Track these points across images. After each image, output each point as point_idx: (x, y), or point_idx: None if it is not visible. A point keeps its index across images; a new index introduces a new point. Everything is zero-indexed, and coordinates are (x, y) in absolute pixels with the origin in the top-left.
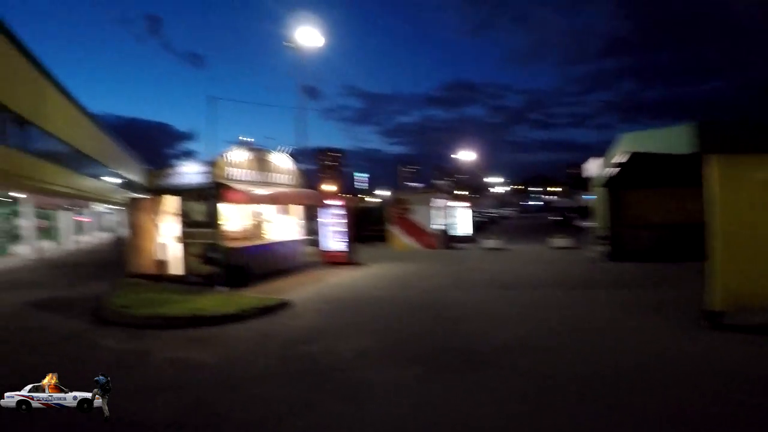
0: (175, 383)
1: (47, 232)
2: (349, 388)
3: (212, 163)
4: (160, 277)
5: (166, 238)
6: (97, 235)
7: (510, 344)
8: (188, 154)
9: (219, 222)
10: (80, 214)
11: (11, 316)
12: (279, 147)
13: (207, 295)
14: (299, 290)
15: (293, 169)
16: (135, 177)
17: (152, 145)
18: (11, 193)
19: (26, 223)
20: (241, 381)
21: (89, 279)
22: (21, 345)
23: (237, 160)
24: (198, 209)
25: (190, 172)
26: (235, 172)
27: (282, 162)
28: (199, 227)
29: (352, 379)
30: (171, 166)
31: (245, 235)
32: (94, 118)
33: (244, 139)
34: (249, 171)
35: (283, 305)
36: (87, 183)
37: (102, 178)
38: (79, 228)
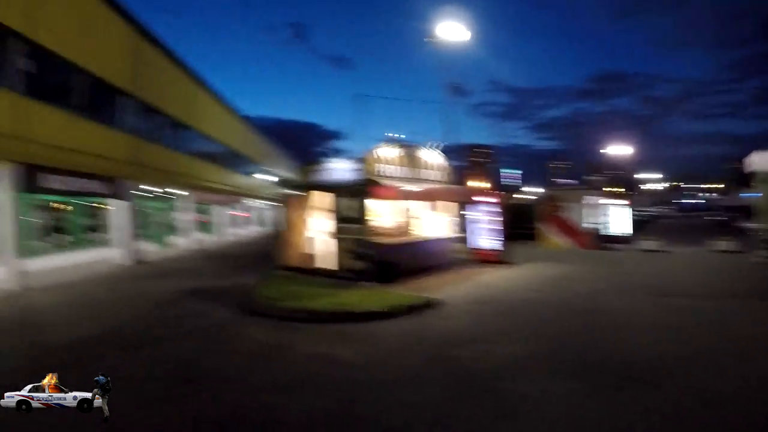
0: (316, 380)
1: (204, 225)
2: (497, 399)
3: (362, 160)
4: (308, 270)
5: (315, 233)
6: (250, 228)
7: (670, 358)
8: (337, 152)
9: (368, 218)
10: (234, 208)
11: (167, 302)
12: (429, 143)
13: (354, 291)
14: (448, 289)
15: (444, 166)
16: (286, 174)
17: (303, 145)
18: (170, 190)
19: (184, 216)
20: (385, 383)
21: (240, 270)
22: (173, 330)
23: (386, 156)
24: (348, 205)
25: (340, 169)
26: (385, 169)
27: (432, 158)
28: (349, 223)
29: (501, 389)
30: (318, 163)
31: (395, 232)
32: (245, 120)
33: (393, 135)
34: (399, 167)
35: (431, 304)
36: (240, 180)
37: (255, 175)
38: (234, 222)
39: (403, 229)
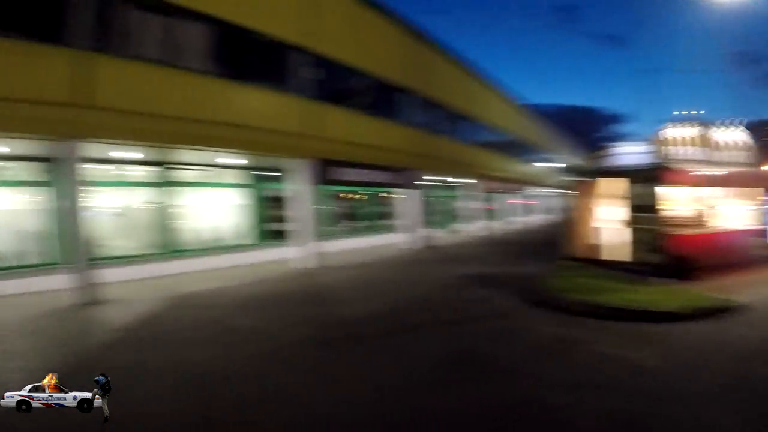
0: (604, 382)
1: (488, 213)
2: None
3: (650, 143)
4: (595, 262)
5: (603, 222)
6: (534, 216)
7: None
8: (620, 136)
9: (660, 206)
10: (518, 196)
11: (451, 287)
12: (727, 120)
13: (644, 287)
14: (753, 291)
15: (746, 146)
16: (569, 161)
17: (583, 130)
18: (455, 179)
19: (469, 204)
20: (681, 395)
21: (523, 258)
22: (456, 315)
23: (678, 137)
24: (638, 192)
25: (626, 153)
26: (677, 151)
27: (731, 138)
28: (639, 212)
29: None
30: (605, 148)
31: (690, 222)
32: (524, 107)
33: (684, 113)
34: (692, 149)
35: (734, 308)
36: (523, 168)
37: (537, 162)
38: (518, 209)
39: (699, 220)
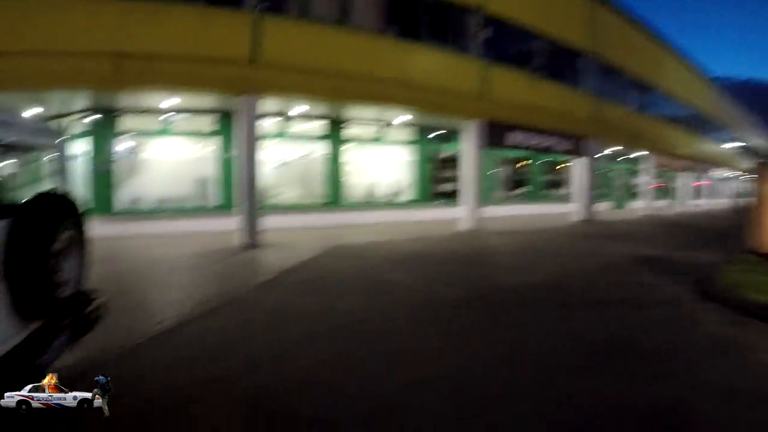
0: (765, 398)
1: (664, 191)
2: None
3: None
4: None
5: None
6: (713, 200)
7: None
8: None
9: None
10: (698, 177)
11: (612, 265)
12: None
13: None
14: None
15: None
16: (758, 142)
17: None
18: (630, 151)
19: (641, 180)
20: None
21: (695, 244)
22: (614, 297)
23: None
24: None
25: None
26: None
27: None
28: None
29: None
30: None
31: None
32: (711, 81)
33: None
34: None
35: None
36: (706, 146)
37: (720, 142)
38: (693, 191)
39: None
